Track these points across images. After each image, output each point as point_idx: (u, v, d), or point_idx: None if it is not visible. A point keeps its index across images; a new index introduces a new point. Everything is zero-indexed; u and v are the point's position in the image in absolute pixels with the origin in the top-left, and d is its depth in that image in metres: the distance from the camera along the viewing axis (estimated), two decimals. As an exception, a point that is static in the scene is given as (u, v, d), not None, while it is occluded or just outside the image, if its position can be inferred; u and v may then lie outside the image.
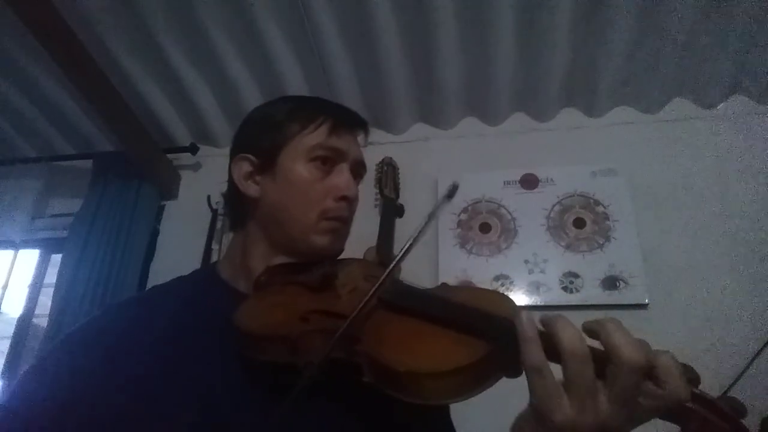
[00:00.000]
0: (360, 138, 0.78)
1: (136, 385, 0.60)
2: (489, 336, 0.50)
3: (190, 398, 0.60)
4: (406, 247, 0.55)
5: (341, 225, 0.73)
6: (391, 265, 0.56)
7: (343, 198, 0.72)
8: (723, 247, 1.76)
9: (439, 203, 0.63)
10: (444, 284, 0.67)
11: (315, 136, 0.72)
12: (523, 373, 0.47)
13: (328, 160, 0.73)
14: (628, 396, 0.42)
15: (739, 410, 0.43)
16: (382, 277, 0.55)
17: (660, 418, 0.45)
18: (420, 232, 0.56)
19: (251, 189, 0.74)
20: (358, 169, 0.77)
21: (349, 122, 0.76)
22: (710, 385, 1.66)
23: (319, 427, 0.60)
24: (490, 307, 0.54)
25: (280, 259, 0.72)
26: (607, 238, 1.82)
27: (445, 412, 0.74)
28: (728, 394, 1.46)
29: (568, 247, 1.84)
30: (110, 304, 0.80)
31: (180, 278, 0.78)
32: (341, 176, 0.73)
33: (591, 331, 0.45)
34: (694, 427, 0.43)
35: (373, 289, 0.54)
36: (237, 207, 0.77)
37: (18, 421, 0.59)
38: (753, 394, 1.48)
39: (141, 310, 0.72)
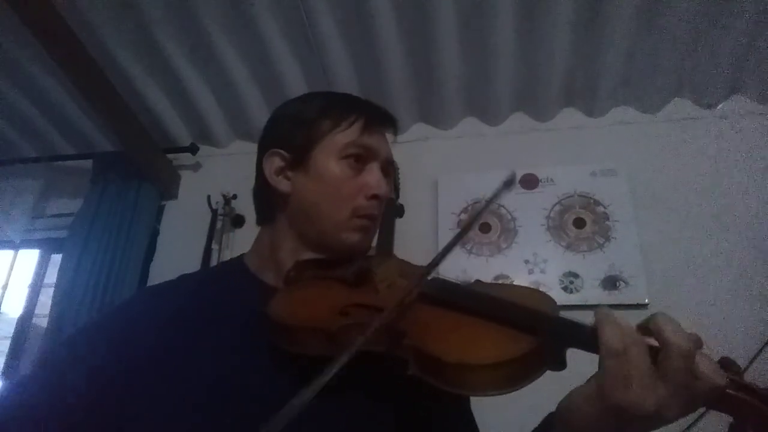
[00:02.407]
0: (389, 136, 0.79)
1: (159, 368, 0.61)
2: (537, 330, 0.50)
3: (212, 384, 0.60)
4: (453, 241, 0.58)
5: (371, 223, 0.74)
6: (442, 252, 0.57)
7: (375, 196, 0.72)
8: (723, 247, 1.76)
9: (498, 191, 0.64)
10: (478, 281, 0.67)
11: (348, 134, 0.73)
12: (567, 366, 0.50)
13: (360, 158, 0.73)
14: (679, 382, 0.45)
15: None
16: (435, 260, 0.56)
17: (714, 409, 0.46)
18: (473, 223, 0.57)
19: (282, 184, 0.74)
20: (387, 168, 0.77)
21: (380, 120, 0.77)
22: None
23: (345, 421, 0.61)
24: (532, 303, 0.55)
25: (308, 255, 0.72)
26: (607, 238, 1.82)
27: (466, 406, 0.75)
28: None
29: (568, 247, 1.84)
30: (141, 289, 0.81)
31: (208, 269, 0.79)
32: (373, 174, 0.73)
33: (642, 328, 0.49)
34: (747, 416, 0.45)
35: (423, 273, 0.55)
36: (266, 201, 0.77)
37: (41, 399, 0.60)
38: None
39: (169, 296, 0.73)
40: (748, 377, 0.46)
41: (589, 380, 0.49)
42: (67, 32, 1.66)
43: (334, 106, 0.76)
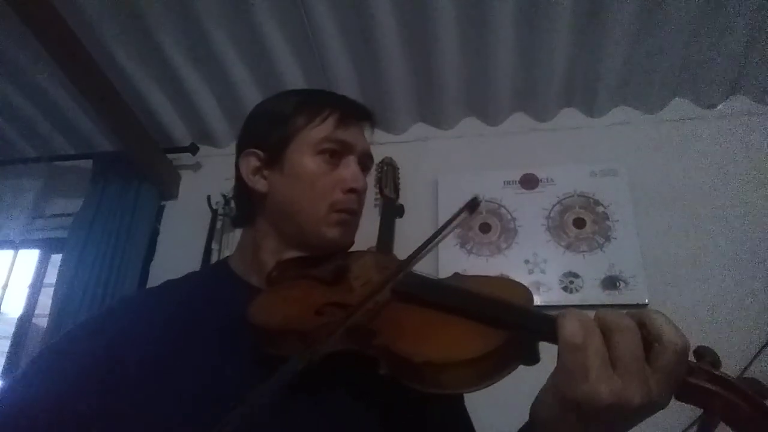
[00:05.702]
0: (366, 130, 0.78)
1: (143, 373, 0.60)
2: (506, 325, 0.50)
3: (197, 388, 0.60)
4: (426, 247, 0.57)
5: (351, 217, 0.73)
6: (412, 255, 0.58)
7: (352, 190, 0.72)
8: (723, 246, 1.76)
9: (460, 212, 0.63)
10: (457, 274, 0.67)
11: (322, 129, 0.72)
12: (540, 360, 0.49)
13: (335, 153, 0.73)
14: (634, 369, 0.43)
15: (762, 391, 0.43)
16: (406, 261, 0.57)
17: (683, 401, 0.45)
18: (437, 239, 0.57)
19: (259, 184, 0.74)
20: (365, 161, 0.77)
21: (355, 114, 0.76)
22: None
23: (334, 420, 0.61)
24: (505, 294, 0.55)
25: (291, 254, 0.72)
26: (607, 238, 1.82)
27: (460, 401, 0.75)
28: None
29: (568, 247, 1.84)
30: (124, 296, 0.80)
31: (193, 273, 0.79)
32: (349, 168, 0.73)
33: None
34: (716, 408, 0.43)
35: (394, 272, 0.56)
36: (245, 202, 0.77)
37: (22, 409, 0.59)
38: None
39: (152, 301, 0.72)
40: (748, 377, 0.45)
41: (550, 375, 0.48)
42: (67, 32, 1.66)
43: (307, 103, 0.75)
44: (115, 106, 1.92)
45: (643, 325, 0.45)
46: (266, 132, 0.75)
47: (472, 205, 0.62)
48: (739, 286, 1.69)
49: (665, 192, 1.87)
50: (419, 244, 0.61)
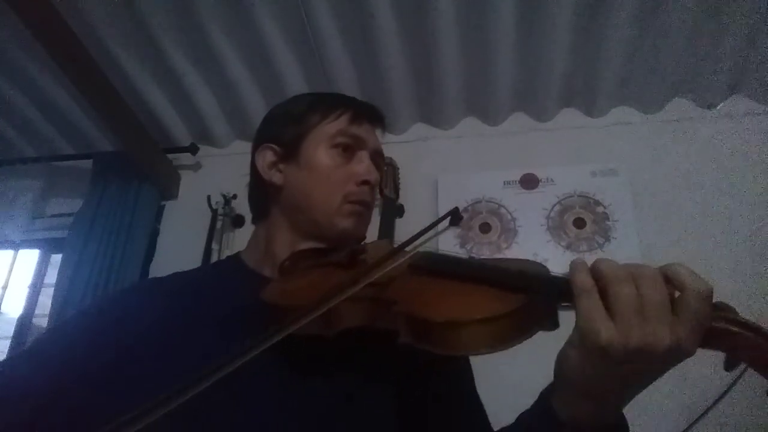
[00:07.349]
0: (378, 131, 0.81)
1: (147, 356, 0.61)
2: (524, 289, 0.51)
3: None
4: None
5: (364, 209, 0.75)
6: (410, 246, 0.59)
7: (365, 182, 0.74)
8: (723, 246, 1.76)
9: (440, 227, 0.64)
10: (472, 257, 0.69)
11: (336, 124, 0.75)
12: (559, 325, 0.50)
13: (348, 148, 0.75)
14: (659, 314, 0.43)
15: None
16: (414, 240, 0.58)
17: (708, 347, 0.45)
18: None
19: (275, 177, 0.76)
20: (377, 159, 0.79)
21: (367, 114, 0.79)
22: (709, 385, 1.62)
23: (345, 399, 0.62)
24: (521, 267, 0.56)
25: (304, 245, 0.73)
26: (607, 238, 1.82)
27: (471, 384, 0.75)
28: (728, 395, 1.46)
29: (568, 247, 1.84)
30: (132, 284, 0.81)
31: (202, 266, 0.80)
32: (362, 162, 0.75)
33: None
34: (741, 351, 0.44)
35: (406, 251, 0.57)
36: (260, 196, 0.79)
37: (23, 387, 0.60)
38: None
39: (160, 288, 0.74)
40: (748, 379, 0.45)
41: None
42: (67, 32, 1.66)
43: (322, 101, 0.79)
44: (115, 106, 1.92)
45: (667, 279, 0.45)
46: (282, 128, 0.78)
47: (454, 218, 0.63)
48: (739, 285, 1.69)
49: (665, 192, 1.88)
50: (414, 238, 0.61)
